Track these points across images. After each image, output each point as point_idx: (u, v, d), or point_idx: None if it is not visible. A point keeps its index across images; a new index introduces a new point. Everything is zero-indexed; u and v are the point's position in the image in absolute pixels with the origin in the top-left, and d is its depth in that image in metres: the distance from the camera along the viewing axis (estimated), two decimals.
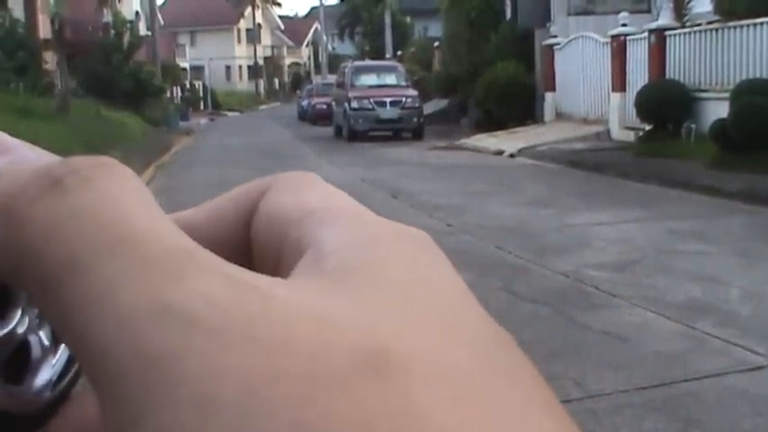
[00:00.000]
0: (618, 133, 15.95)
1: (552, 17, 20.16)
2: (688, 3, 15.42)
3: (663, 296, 5.23)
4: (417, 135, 21.22)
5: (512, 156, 15.70)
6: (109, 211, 0.20)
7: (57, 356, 0.44)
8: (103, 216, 0.20)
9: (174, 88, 41.24)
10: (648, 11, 18.24)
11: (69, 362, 0.45)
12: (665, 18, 15.16)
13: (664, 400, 3.52)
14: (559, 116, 19.76)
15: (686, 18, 15.26)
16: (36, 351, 0.41)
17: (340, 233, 0.21)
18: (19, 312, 0.41)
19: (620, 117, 15.96)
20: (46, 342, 0.43)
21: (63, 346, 0.41)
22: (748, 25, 12.40)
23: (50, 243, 0.20)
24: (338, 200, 0.23)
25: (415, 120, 21.32)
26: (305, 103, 36.67)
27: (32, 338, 0.39)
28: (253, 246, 0.24)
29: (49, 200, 0.20)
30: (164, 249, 0.19)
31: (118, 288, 0.18)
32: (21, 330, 0.39)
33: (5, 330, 0.36)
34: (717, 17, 13.82)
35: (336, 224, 0.22)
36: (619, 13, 16.58)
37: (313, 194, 0.23)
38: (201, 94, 50.09)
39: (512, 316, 4.80)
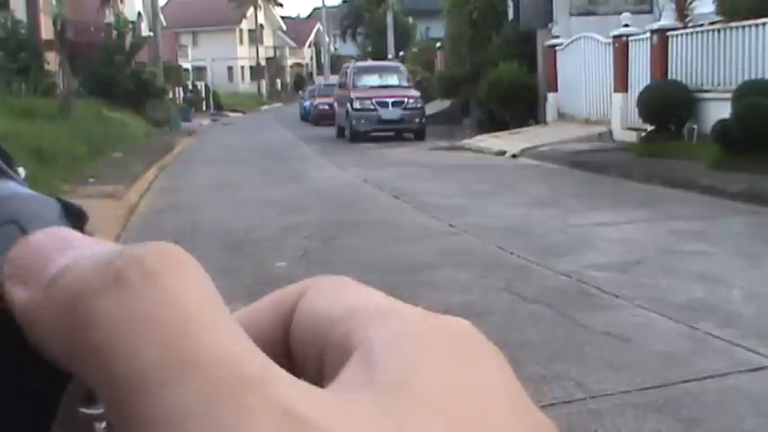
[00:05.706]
0: (620, 134, 15.95)
1: (554, 18, 20.15)
2: (690, 3, 15.42)
3: (665, 296, 5.22)
4: (419, 136, 21.23)
5: (514, 156, 15.70)
6: (177, 323, 0.20)
7: None
8: (172, 328, 0.20)
9: (177, 89, 41.21)
10: (650, 11, 18.24)
11: None
12: (668, 18, 15.15)
13: (666, 400, 3.52)
14: (561, 117, 19.76)
15: (688, 18, 15.25)
16: None
17: (384, 334, 0.22)
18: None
19: (622, 117, 15.95)
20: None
21: None
22: (750, 26, 12.39)
23: (118, 352, 0.20)
24: (374, 298, 0.24)
25: (418, 120, 21.32)
26: (307, 103, 36.70)
27: (97, 426, 0.39)
28: (292, 347, 0.25)
29: (114, 297, 0.21)
30: (233, 378, 0.20)
31: (186, 417, 0.19)
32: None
33: (99, 411, 0.36)
34: (719, 18, 13.82)
35: (378, 323, 0.23)
36: (621, 13, 16.57)
37: (350, 295, 0.24)
38: (204, 94, 50.06)
39: (514, 316, 4.80)
